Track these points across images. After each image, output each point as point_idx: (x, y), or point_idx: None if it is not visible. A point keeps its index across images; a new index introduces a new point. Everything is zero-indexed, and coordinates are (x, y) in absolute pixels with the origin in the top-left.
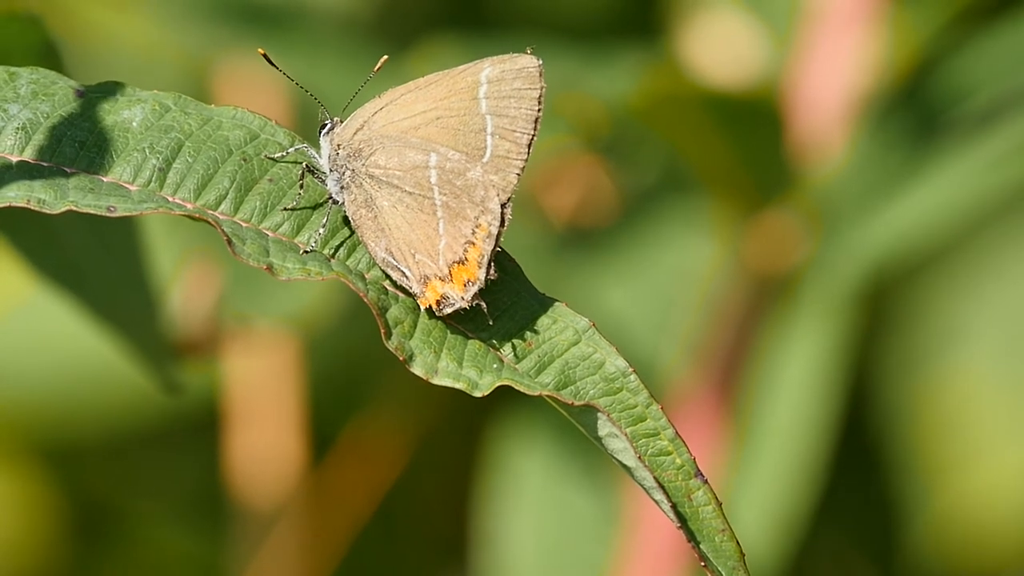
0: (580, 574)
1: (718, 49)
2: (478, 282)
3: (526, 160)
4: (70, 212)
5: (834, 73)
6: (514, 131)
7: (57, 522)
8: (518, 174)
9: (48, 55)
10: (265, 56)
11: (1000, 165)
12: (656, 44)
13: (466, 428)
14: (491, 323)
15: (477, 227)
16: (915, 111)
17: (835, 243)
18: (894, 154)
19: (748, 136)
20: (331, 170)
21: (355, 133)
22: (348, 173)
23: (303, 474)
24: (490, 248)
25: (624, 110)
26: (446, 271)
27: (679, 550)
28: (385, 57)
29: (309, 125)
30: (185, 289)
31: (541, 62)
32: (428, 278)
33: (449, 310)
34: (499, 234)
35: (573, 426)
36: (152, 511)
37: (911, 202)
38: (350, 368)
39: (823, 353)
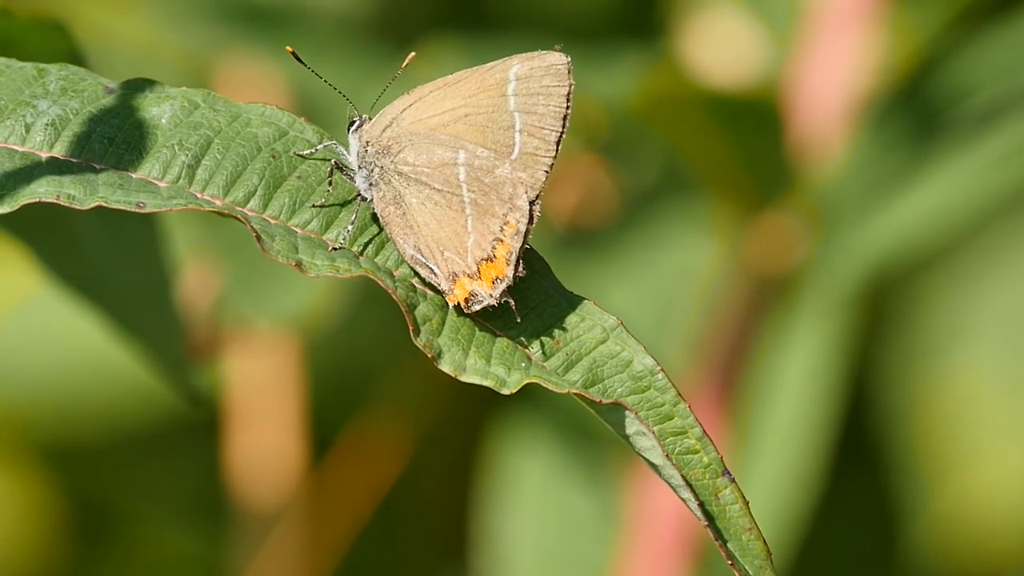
0: (580, 574)
1: (718, 49)
2: (506, 279)
3: (554, 157)
4: (92, 218)
5: (834, 73)
6: (542, 128)
7: (57, 522)
8: (546, 171)
9: (73, 62)
10: (294, 54)
11: (1000, 165)
12: (656, 44)
13: (466, 428)
14: (519, 320)
15: (505, 224)
16: (915, 111)
17: (835, 243)
18: (894, 154)
19: (748, 136)
20: (360, 167)
21: (384, 130)
22: (377, 170)
23: (303, 474)
24: (518, 245)
25: (624, 110)
26: (474, 268)
27: (678, 550)
28: (413, 54)
29: (314, 123)
30: (186, 290)
31: (570, 59)
32: (456, 275)
33: (477, 307)
34: (528, 231)
35: (573, 426)
36: (152, 511)
37: (911, 202)
38: (350, 369)
39: (823, 353)
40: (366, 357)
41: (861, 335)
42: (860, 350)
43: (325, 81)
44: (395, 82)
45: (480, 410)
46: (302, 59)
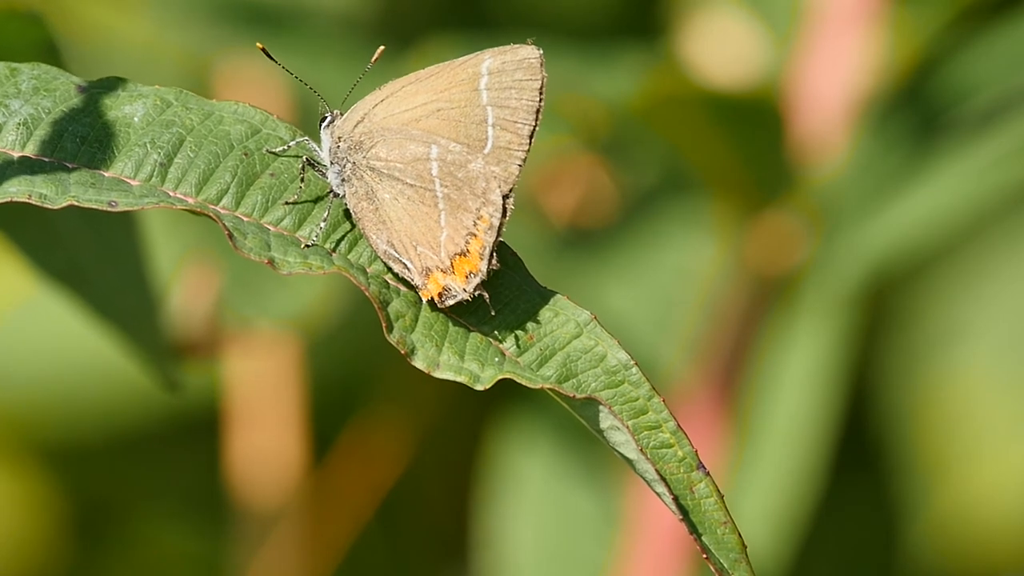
0: (580, 574)
1: (719, 49)
2: (480, 274)
3: (527, 151)
4: (71, 209)
5: (835, 73)
6: (515, 122)
7: (57, 522)
8: (520, 165)
9: (49, 52)
10: (264, 50)
11: (1001, 165)
12: (657, 44)
13: (467, 428)
14: (493, 314)
15: (479, 219)
16: (916, 111)
17: (836, 243)
18: (895, 154)
19: (749, 136)
20: (332, 163)
21: (356, 126)
22: (349, 166)
23: (304, 474)
24: (492, 240)
25: (625, 110)
26: (448, 263)
27: (679, 551)
28: (382, 48)
29: (311, 123)
30: (185, 290)
31: (542, 52)
32: (430, 270)
33: (451, 302)
34: (501, 225)
35: (574, 426)
36: (152, 511)
37: (912, 202)
38: (351, 368)
39: (824, 353)
40: (366, 357)
41: (862, 335)
42: (861, 350)
43: (296, 77)
44: (371, 79)
45: (481, 410)
46: (272, 55)
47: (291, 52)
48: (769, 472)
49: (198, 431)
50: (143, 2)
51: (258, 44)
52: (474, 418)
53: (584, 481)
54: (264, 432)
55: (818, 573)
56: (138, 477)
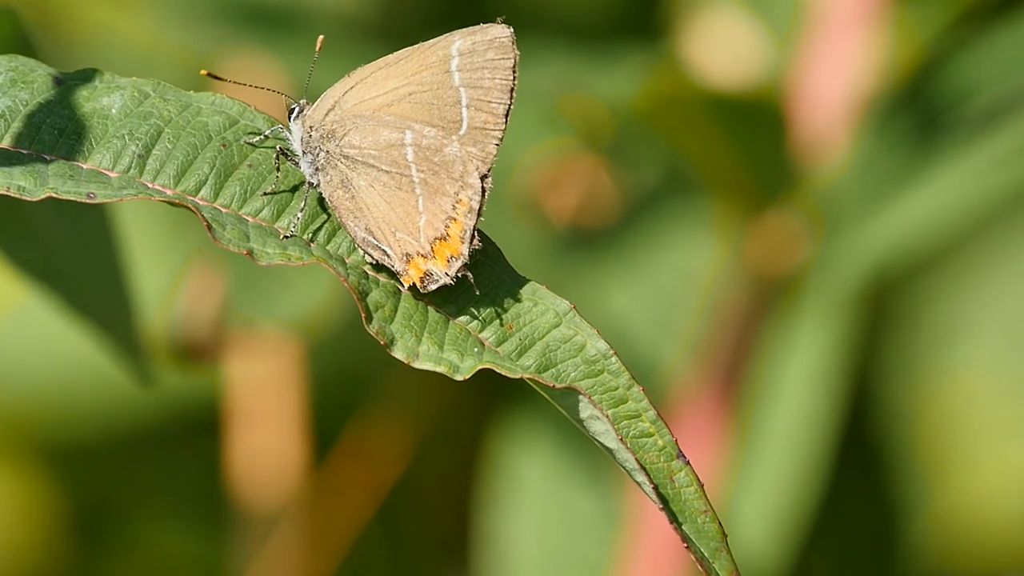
0: (580, 574)
1: (720, 50)
2: (462, 257)
3: (504, 130)
4: (46, 203)
5: (837, 74)
6: (490, 102)
7: (57, 522)
8: (497, 144)
9: (22, 47)
10: (210, 75)
11: (1002, 166)
12: (658, 45)
13: (467, 428)
14: (478, 293)
15: (458, 202)
16: (918, 112)
17: (837, 244)
18: (896, 155)
19: (751, 137)
20: (304, 152)
21: (327, 114)
22: (322, 155)
23: (305, 474)
24: (472, 223)
25: (627, 111)
26: (428, 248)
27: (679, 551)
28: (322, 37)
29: None
30: (190, 292)
31: (512, 30)
32: (410, 256)
33: (434, 287)
34: (481, 206)
35: (575, 426)
36: (152, 511)
37: (913, 203)
38: (352, 369)
39: (825, 353)
40: (367, 357)
41: (863, 335)
42: (862, 350)
43: (252, 87)
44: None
45: (482, 410)
46: (220, 77)
47: (292, 52)
48: (770, 472)
49: (198, 431)
50: (143, 2)
51: (203, 71)
52: (474, 418)
53: (584, 481)
54: (265, 432)
55: (819, 573)
56: (138, 477)
